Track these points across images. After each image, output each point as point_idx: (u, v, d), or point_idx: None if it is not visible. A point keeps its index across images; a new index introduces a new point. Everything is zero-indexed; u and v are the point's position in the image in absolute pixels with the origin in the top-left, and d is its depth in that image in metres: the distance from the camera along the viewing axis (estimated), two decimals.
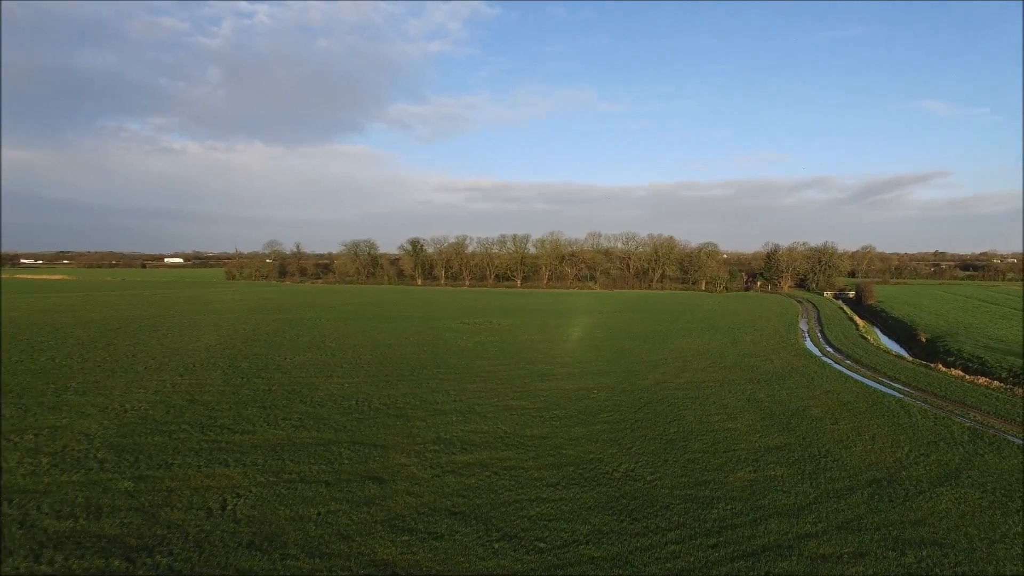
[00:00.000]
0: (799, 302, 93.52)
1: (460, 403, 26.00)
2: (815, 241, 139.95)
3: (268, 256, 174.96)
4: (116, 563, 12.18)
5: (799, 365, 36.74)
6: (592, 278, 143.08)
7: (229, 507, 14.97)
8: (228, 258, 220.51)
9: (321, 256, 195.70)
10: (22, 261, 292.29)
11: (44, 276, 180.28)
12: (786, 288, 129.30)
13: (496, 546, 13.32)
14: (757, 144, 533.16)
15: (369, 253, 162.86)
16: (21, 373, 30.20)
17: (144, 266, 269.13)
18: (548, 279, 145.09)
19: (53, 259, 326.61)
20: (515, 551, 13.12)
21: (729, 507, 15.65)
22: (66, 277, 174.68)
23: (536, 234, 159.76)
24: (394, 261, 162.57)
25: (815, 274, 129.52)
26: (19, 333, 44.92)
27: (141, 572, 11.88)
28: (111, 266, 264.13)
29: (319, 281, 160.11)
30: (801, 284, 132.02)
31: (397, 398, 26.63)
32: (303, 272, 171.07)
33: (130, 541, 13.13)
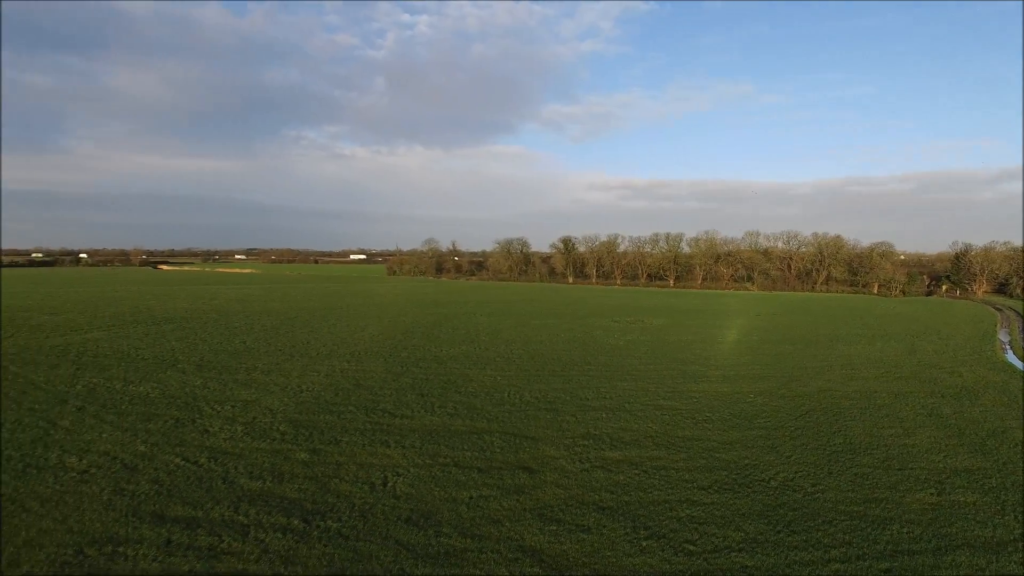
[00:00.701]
0: (997, 309, 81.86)
1: (610, 400, 25.88)
2: (1020, 240, 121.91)
3: (426, 253, 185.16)
4: (295, 523, 13.64)
5: (997, 380, 32.20)
6: (749, 279, 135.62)
7: (390, 484, 16.12)
8: (390, 255, 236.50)
9: (475, 254, 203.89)
10: (236, 257, 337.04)
11: (237, 270, 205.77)
12: (980, 293, 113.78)
13: (644, 544, 13.13)
14: (946, 132, 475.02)
15: (522, 251, 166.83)
16: (221, 353, 34.67)
17: (316, 262, 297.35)
18: (702, 279, 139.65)
19: (245, 255, 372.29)
20: (663, 551, 12.85)
21: (905, 531, 14.13)
22: (254, 271, 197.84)
23: (690, 233, 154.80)
24: (546, 259, 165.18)
25: (1020, 277, 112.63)
26: (220, 319, 51.59)
27: (315, 533, 13.19)
28: (289, 262, 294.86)
29: (473, 278, 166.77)
30: (1000, 289, 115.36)
31: (548, 392, 27.07)
32: (458, 269, 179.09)
33: (306, 505, 14.62)
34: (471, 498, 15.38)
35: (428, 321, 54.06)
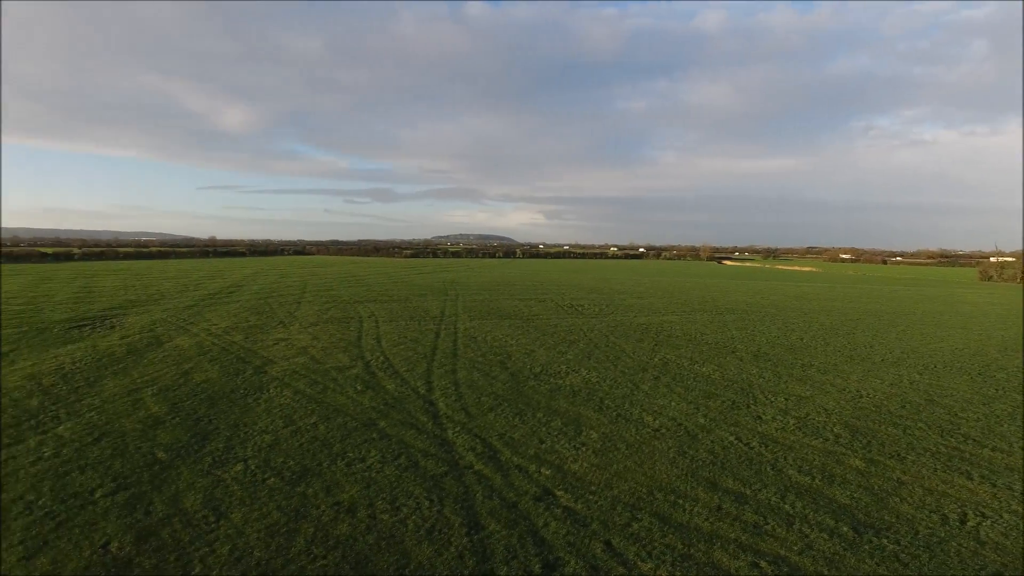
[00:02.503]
0: None
1: None
2: None
3: None
4: (844, 529, 12.76)
5: None
6: None
7: (970, 523, 13.35)
8: (982, 256, 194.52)
9: None
10: (783, 256, 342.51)
11: (796, 267, 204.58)
12: None
13: None
14: None
15: None
16: (777, 346, 35.22)
17: (884, 262, 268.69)
18: None
19: (803, 253, 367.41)
20: None
21: None
22: (813, 269, 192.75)
23: None
24: None
25: None
26: (776, 314, 52.41)
27: (866, 546, 12.05)
28: (852, 260, 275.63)
29: None
30: None
31: None
32: None
33: (858, 515, 13.48)
34: None
35: None
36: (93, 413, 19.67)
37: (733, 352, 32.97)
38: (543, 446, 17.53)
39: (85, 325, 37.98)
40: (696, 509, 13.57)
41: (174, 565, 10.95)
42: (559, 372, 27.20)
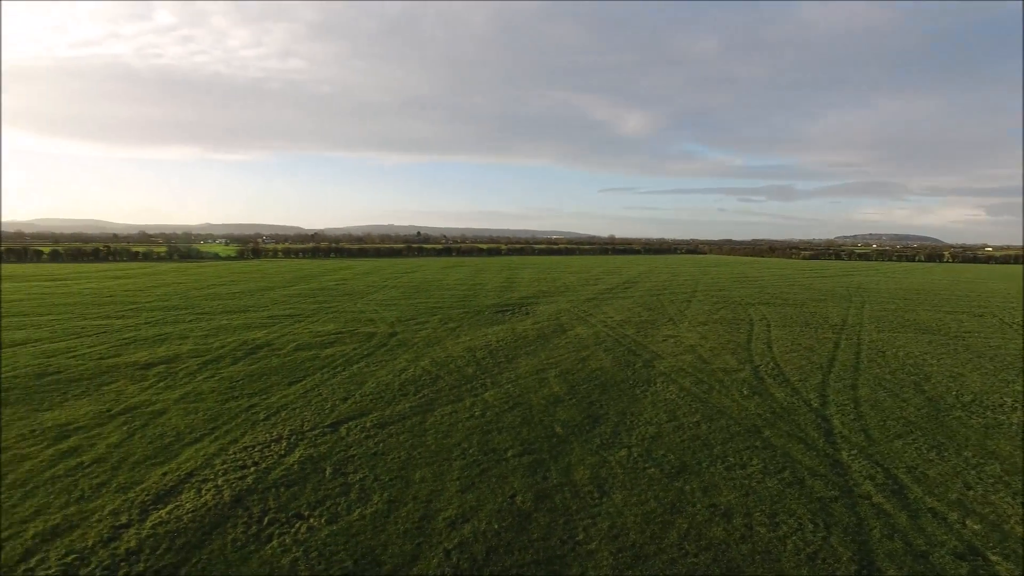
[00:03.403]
0: None
1: None
2: None
3: None
4: None
5: None
6: None
7: None
8: None
9: None
10: None
11: None
12: None
13: None
14: None
15: None
16: None
17: None
18: None
19: None
20: None
21: None
22: None
23: None
24: None
25: None
26: None
27: None
28: None
29: None
30: None
31: None
32: None
33: None
34: None
35: None
36: (509, 385, 23.54)
37: None
38: (970, 492, 14.25)
39: (507, 310, 45.58)
40: None
41: (563, 528, 12.37)
42: (1000, 405, 21.69)
